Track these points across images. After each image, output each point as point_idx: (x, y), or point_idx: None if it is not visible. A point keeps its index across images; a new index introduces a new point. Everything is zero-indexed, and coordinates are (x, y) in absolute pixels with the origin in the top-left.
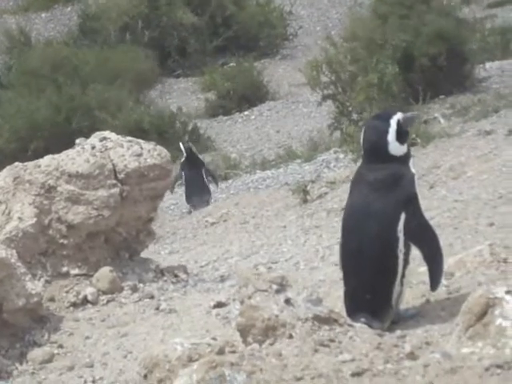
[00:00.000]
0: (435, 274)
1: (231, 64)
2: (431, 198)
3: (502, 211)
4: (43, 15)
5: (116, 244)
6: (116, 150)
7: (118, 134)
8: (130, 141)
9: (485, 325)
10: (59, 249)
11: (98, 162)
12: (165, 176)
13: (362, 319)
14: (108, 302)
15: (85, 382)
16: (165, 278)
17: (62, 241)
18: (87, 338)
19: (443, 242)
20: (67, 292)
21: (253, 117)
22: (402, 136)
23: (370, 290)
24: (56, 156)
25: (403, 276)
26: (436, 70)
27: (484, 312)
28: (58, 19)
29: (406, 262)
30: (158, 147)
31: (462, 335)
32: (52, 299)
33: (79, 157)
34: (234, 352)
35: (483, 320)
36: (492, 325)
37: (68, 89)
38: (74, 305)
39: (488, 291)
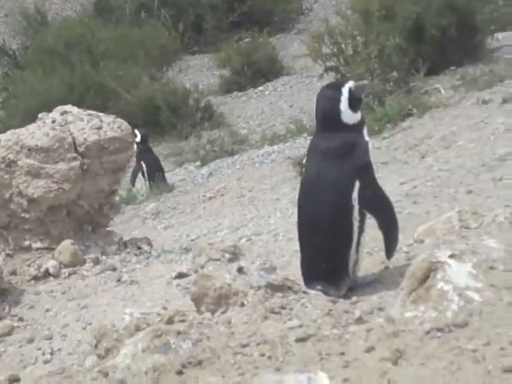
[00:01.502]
0: (390, 242)
1: (246, 40)
2: (418, 168)
3: (482, 179)
4: None
5: (79, 217)
6: (76, 123)
7: (131, 110)
8: (89, 114)
9: (427, 289)
10: (21, 223)
11: (57, 135)
12: (125, 149)
13: (318, 287)
14: (70, 274)
15: (43, 353)
16: (128, 250)
17: (23, 215)
18: (47, 310)
19: (421, 210)
20: (29, 265)
21: (267, 92)
22: (354, 104)
23: (325, 258)
24: (17, 130)
25: (359, 244)
26: (447, 41)
27: (426, 276)
28: None
29: (362, 229)
30: (118, 120)
31: (405, 299)
32: (14, 273)
33: (39, 131)
34: (183, 321)
35: (425, 284)
36: (434, 288)
37: (82, 67)
38: (36, 278)
39: (431, 255)
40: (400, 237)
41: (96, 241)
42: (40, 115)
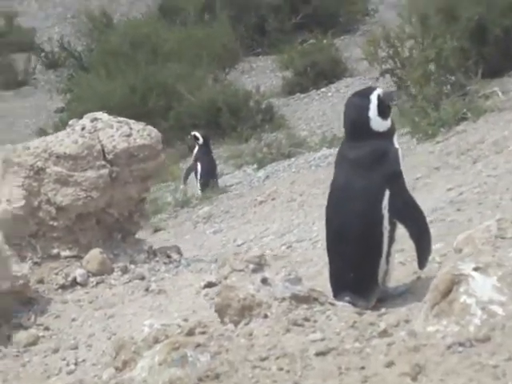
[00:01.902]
0: (422, 252)
1: (310, 41)
2: (468, 173)
3: None
4: None
5: (108, 225)
6: (105, 130)
7: (194, 112)
8: (119, 121)
9: (449, 302)
10: (49, 231)
11: (86, 142)
12: (155, 156)
13: (347, 298)
14: (97, 283)
15: (67, 364)
16: (157, 259)
17: (51, 223)
18: (74, 319)
19: (464, 217)
20: (56, 274)
21: (330, 94)
22: (383, 111)
23: (354, 268)
24: (46, 138)
25: (389, 254)
26: (511, 42)
27: (449, 289)
28: (141, 0)
29: (392, 239)
30: (148, 127)
31: (428, 313)
32: (41, 281)
33: (68, 138)
34: (203, 333)
35: (448, 297)
36: (456, 302)
37: (145, 68)
38: (63, 287)
39: (455, 268)
40: (439, 245)
41: (125, 249)
42: (70, 122)
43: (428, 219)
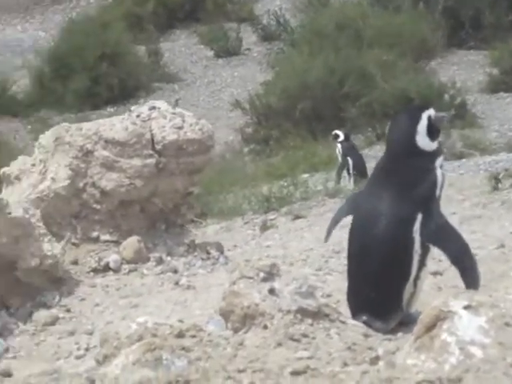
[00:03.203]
0: (467, 275)
1: None
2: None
3: None
4: None
5: (152, 215)
6: (158, 120)
7: (385, 100)
8: (173, 113)
9: (431, 338)
10: (91, 213)
11: (136, 130)
12: (204, 151)
13: (364, 317)
14: (130, 271)
15: (78, 348)
16: (195, 254)
17: (94, 206)
18: (97, 305)
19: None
20: (91, 257)
21: None
22: (432, 132)
23: (377, 290)
24: (100, 121)
25: (417, 278)
26: None
27: (434, 324)
28: None
29: (422, 263)
30: (202, 122)
31: (411, 345)
32: (75, 262)
33: (120, 124)
34: (194, 337)
35: (431, 332)
36: (437, 338)
37: (347, 51)
38: (95, 270)
39: (444, 303)
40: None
41: (166, 240)
42: (133, 107)
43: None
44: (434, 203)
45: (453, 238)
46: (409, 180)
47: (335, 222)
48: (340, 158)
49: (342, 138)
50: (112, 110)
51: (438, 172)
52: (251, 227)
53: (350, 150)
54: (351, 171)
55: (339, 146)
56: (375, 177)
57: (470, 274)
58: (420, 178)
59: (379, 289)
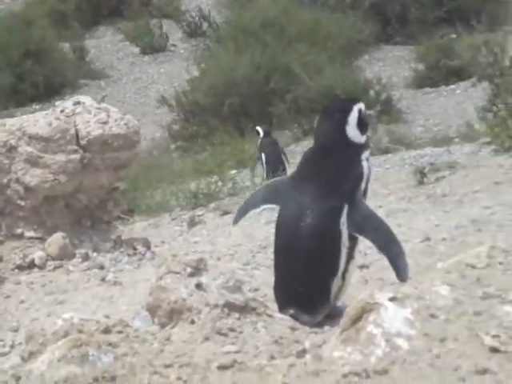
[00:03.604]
0: (396, 262)
1: (452, 35)
2: None
3: None
4: None
5: (77, 211)
6: (83, 115)
7: (311, 97)
8: (98, 108)
9: (357, 330)
10: (16, 209)
11: (60, 125)
12: (130, 146)
13: (291, 311)
14: (55, 268)
15: (3, 346)
16: (122, 250)
17: (19, 202)
18: (22, 301)
19: (478, 239)
20: (16, 254)
21: (458, 91)
22: (362, 124)
23: (304, 284)
24: (24, 117)
25: (346, 271)
26: None
27: (360, 316)
28: None
29: (350, 256)
30: (127, 117)
31: (338, 338)
32: (0, 259)
33: (43, 119)
34: (120, 332)
35: (357, 325)
36: (364, 331)
37: (272, 48)
38: (20, 267)
39: (371, 295)
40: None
41: (91, 236)
42: (57, 103)
43: (442, 236)
44: (360, 195)
45: (379, 226)
46: (335, 172)
47: (249, 206)
48: (257, 154)
49: (261, 134)
50: (37, 107)
51: (365, 164)
52: (179, 223)
53: (267, 145)
54: (265, 166)
55: (259, 142)
56: (301, 169)
57: (398, 261)
58: (347, 170)
59: (307, 283)
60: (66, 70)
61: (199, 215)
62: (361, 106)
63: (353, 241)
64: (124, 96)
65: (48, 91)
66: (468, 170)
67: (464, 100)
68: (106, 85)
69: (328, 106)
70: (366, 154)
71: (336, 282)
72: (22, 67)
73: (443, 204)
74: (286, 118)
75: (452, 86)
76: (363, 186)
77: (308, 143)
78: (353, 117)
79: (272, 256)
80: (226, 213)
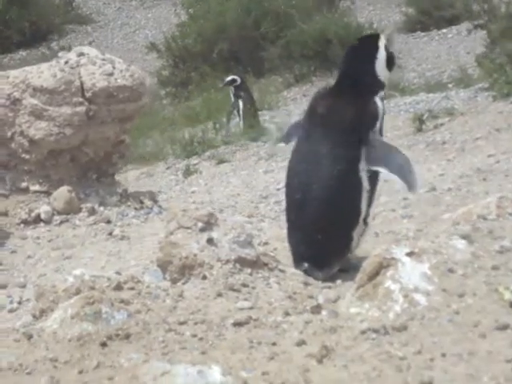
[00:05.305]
0: (406, 176)
1: None
2: None
3: None
4: None
5: (83, 164)
6: (87, 67)
7: (304, 41)
8: (103, 59)
9: (375, 286)
10: (21, 163)
11: (65, 77)
12: (135, 98)
13: (305, 265)
14: (61, 222)
15: (11, 302)
16: (129, 203)
17: (23, 155)
18: (29, 257)
19: (484, 188)
20: (21, 208)
21: (450, 35)
22: (390, 62)
23: (326, 234)
24: (28, 68)
25: (367, 215)
26: None
27: (377, 272)
28: None
29: (371, 200)
30: (132, 68)
31: (354, 294)
32: (5, 214)
33: (48, 71)
34: (132, 289)
35: (374, 281)
36: (381, 286)
37: None
38: (26, 222)
39: (387, 251)
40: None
41: (98, 190)
42: (60, 54)
43: (447, 186)
44: (376, 133)
45: (390, 151)
46: (352, 112)
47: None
48: (232, 100)
49: (238, 82)
50: (24, 53)
51: (380, 103)
52: (174, 172)
53: (242, 91)
54: (241, 113)
55: (232, 89)
56: (314, 110)
57: (409, 177)
58: (364, 109)
59: (328, 232)
60: (53, 16)
61: (194, 164)
62: (384, 41)
63: (373, 182)
64: (112, 42)
65: (34, 37)
66: (467, 117)
67: (457, 44)
68: (92, 30)
69: (356, 42)
70: (381, 94)
71: (358, 229)
72: (8, 13)
73: (444, 152)
74: (276, 64)
75: (444, 30)
76: (378, 125)
77: (299, 90)
78: (381, 53)
79: (275, 207)
80: (221, 161)
